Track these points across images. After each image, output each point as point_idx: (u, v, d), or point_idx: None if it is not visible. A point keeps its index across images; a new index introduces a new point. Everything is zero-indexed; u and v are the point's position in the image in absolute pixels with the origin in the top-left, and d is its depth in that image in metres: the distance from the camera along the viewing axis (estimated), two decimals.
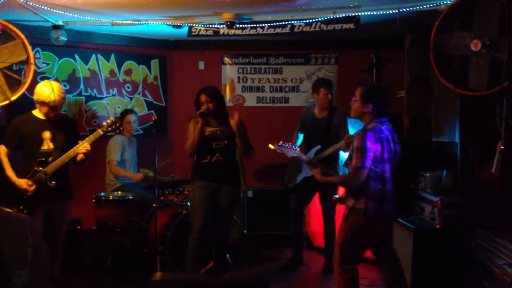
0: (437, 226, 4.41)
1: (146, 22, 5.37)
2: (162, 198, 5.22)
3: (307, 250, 5.72)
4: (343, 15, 4.89)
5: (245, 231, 6.28)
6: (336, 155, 5.23)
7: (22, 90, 4.75)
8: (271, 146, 4.74)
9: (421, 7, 4.58)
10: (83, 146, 4.06)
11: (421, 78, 5.10)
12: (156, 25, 5.44)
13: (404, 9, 4.63)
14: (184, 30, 5.49)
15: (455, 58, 3.93)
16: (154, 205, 4.86)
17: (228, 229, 4.93)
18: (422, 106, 5.08)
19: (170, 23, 5.36)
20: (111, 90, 6.61)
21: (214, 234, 4.69)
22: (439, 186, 4.64)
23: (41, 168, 4.02)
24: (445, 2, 4.35)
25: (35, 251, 1.92)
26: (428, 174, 4.73)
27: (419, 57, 5.07)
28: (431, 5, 4.49)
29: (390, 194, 3.72)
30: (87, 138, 4.11)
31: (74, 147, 4.06)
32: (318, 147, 5.13)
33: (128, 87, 6.75)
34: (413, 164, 4.85)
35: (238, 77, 7.06)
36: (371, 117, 3.72)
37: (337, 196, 4.23)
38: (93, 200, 5.25)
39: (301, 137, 5.45)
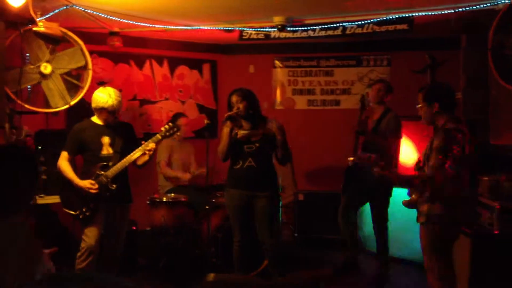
0: (496, 232, 4.27)
1: (198, 27, 5.46)
2: (214, 200, 5.27)
3: (360, 254, 5.62)
4: (396, 16, 4.82)
5: (296, 234, 6.27)
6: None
7: (81, 95, 4.94)
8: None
9: (477, 6, 4.45)
10: (149, 147, 4.11)
11: (477, 79, 4.97)
12: (207, 29, 5.52)
13: (460, 9, 4.52)
14: (235, 34, 5.55)
15: None
16: (207, 207, 4.92)
17: (275, 234, 4.54)
18: (479, 108, 4.94)
19: (221, 28, 5.43)
20: (164, 94, 6.75)
21: (262, 240, 4.48)
22: (498, 190, 4.49)
23: (102, 172, 4.12)
24: (503, 1, 4.22)
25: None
26: (486, 178, 4.59)
27: (475, 58, 4.94)
28: (488, 4, 4.37)
29: (466, 198, 3.67)
30: (146, 142, 4.16)
31: (134, 152, 4.13)
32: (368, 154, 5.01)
33: (181, 91, 6.88)
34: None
35: (289, 80, 7.06)
36: (444, 118, 3.62)
37: (408, 197, 3.87)
38: (147, 202, 5.36)
39: None
